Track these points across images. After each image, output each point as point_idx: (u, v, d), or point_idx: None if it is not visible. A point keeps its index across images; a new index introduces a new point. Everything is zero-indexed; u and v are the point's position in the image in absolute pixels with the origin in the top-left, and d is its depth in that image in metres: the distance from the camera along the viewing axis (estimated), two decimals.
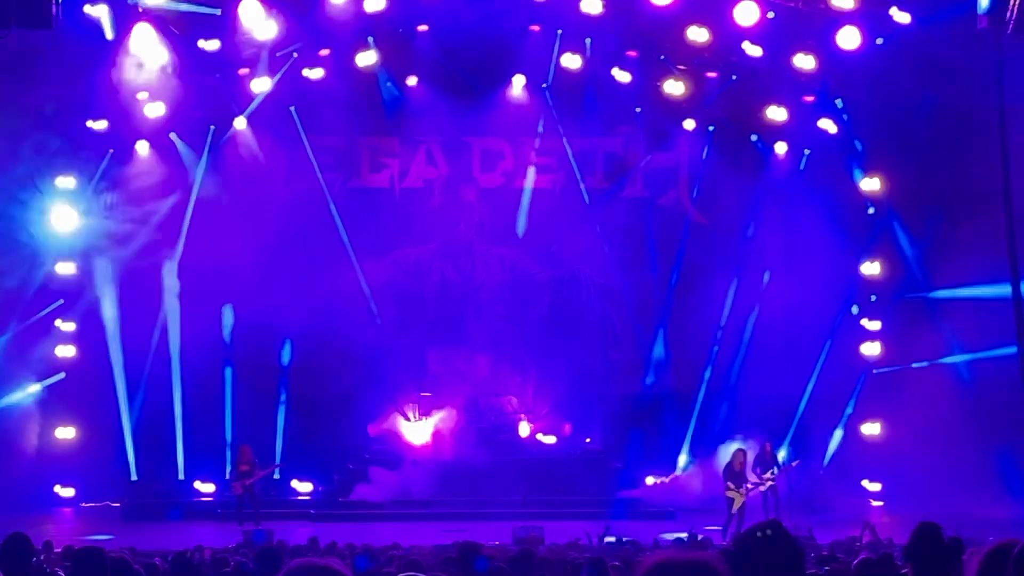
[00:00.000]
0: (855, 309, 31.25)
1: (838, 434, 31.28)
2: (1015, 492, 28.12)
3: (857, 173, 30.82)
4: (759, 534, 6.09)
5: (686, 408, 32.14)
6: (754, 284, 31.69)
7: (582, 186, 32.72)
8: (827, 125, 30.45)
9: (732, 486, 26.74)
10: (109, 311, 30.55)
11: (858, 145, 30.61)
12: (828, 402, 31.34)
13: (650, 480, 31.09)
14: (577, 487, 30.29)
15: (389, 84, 31.61)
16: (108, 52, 28.06)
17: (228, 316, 31.50)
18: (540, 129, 32.53)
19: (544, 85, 31.88)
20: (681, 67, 30.67)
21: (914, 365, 30.24)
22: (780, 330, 31.26)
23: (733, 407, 31.81)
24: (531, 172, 32.82)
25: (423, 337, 32.37)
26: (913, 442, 29.59)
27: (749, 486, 27.03)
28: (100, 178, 30.34)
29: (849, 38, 27.69)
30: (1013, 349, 24.99)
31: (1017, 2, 21.66)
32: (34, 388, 29.99)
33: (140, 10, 27.57)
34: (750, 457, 27.64)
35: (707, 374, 32.22)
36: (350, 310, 31.47)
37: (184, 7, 27.68)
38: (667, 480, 31.27)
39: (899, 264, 30.84)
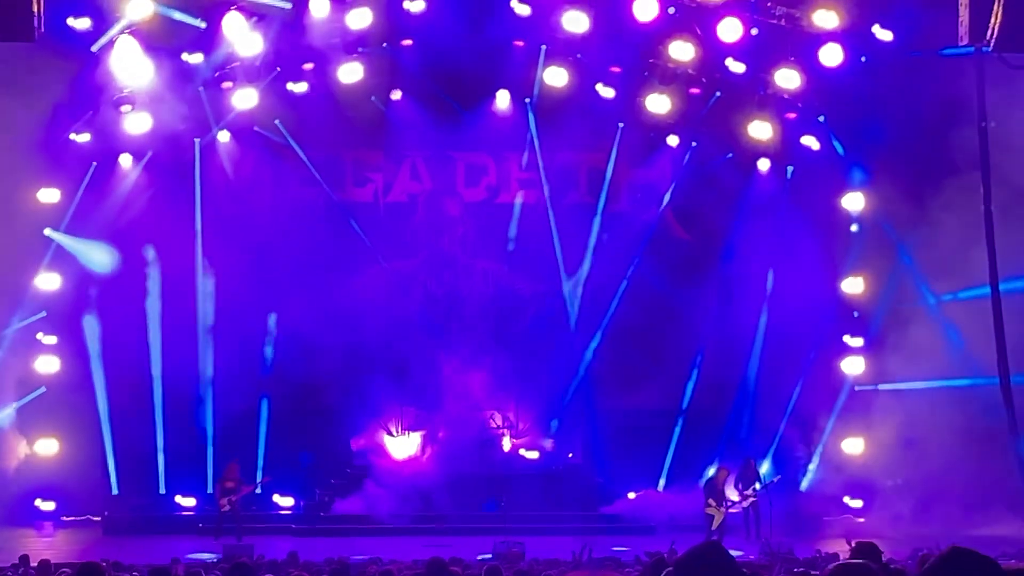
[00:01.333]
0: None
1: (820, 450, 31.24)
2: (998, 509, 28.15)
3: (846, 192, 30.83)
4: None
5: (669, 423, 32.14)
6: (737, 300, 31.67)
7: (565, 201, 32.73)
8: (810, 142, 30.48)
9: (713, 503, 26.76)
10: (91, 325, 30.51)
11: (840, 152, 30.51)
12: (810, 418, 31.34)
13: (632, 495, 31.07)
14: (559, 502, 30.32)
15: (373, 98, 31.61)
16: (91, 64, 28.03)
17: (209, 331, 31.41)
18: (527, 144, 32.50)
19: (528, 100, 31.91)
20: (665, 83, 30.70)
21: (891, 386, 30.21)
22: (763, 345, 31.36)
23: (716, 422, 31.82)
24: (518, 196, 32.91)
25: (406, 351, 32.32)
26: (895, 458, 29.65)
27: (729, 503, 27.05)
28: (84, 191, 30.28)
29: (832, 55, 27.80)
30: (994, 380, 25.12)
31: (998, 21, 21.75)
32: (10, 410, 29.91)
33: (124, 23, 27.52)
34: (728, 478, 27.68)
35: (690, 389, 32.21)
36: (333, 324, 31.41)
37: (177, 15, 27.57)
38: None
39: (882, 280, 30.82)
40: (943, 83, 26.79)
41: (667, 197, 32.46)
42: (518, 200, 32.99)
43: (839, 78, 28.28)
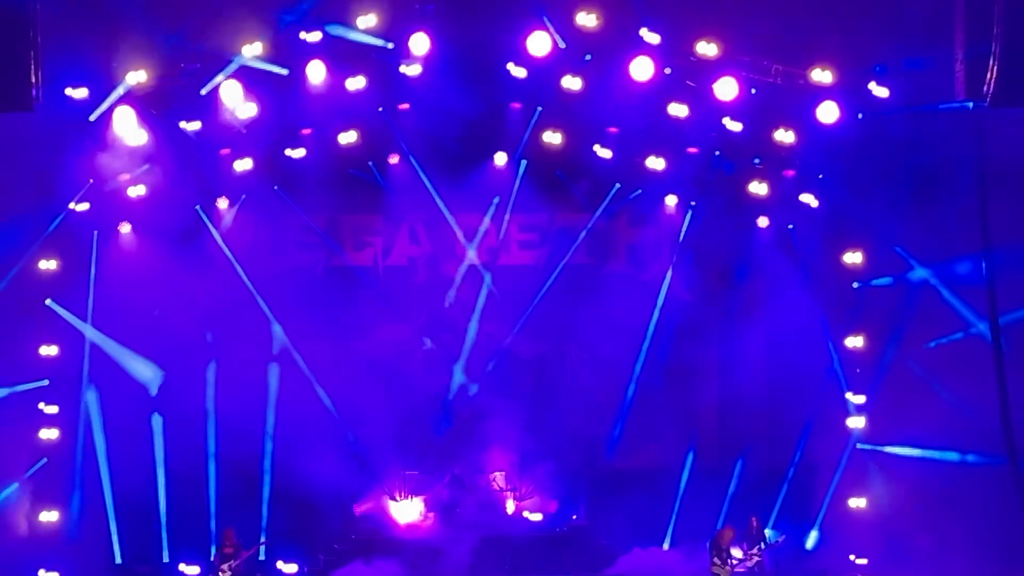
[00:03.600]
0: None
1: (824, 509, 31.10)
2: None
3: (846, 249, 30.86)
4: None
5: (673, 482, 32.02)
6: (739, 358, 31.62)
7: (565, 262, 32.75)
8: (809, 199, 30.51)
9: (718, 562, 26.62)
10: (92, 395, 30.46)
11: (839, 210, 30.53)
12: (814, 476, 31.24)
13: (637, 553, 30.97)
14: (563, 564, 30.22)
15: (371, 163, 31.68)
16: (90, 134, 28.08)
17: (211, 396, 31.38)
18: (525, 206, 32.54)
19: (525, 161, 31.96)
20: (662, 142, 30.86)
21: (893, 449, 30.15)
22: (766, 404, 31.30)
23: (721, 480, 31.74)
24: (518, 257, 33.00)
25: (407, 414, 32.24)
26: (901, 516, 29.53)
27: (734, 562, 26.91)
28: (83, 260, 30.29)
29: (829, 113, 27.95)
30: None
31: (994, 76, 21.81)
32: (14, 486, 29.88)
33: (121, 92, 27.60)
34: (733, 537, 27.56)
35: (693, 448, 32.12)
36: (334, 388, 31.37)
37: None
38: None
39: (884, 337, 30.79)
40: (942, 138, 26.83)
41: (667, 256, 32.49)
42: (518, 262, 33.02)
43: (837, 135, 28.36)
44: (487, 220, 32.88)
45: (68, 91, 26.99)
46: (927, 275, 29.46)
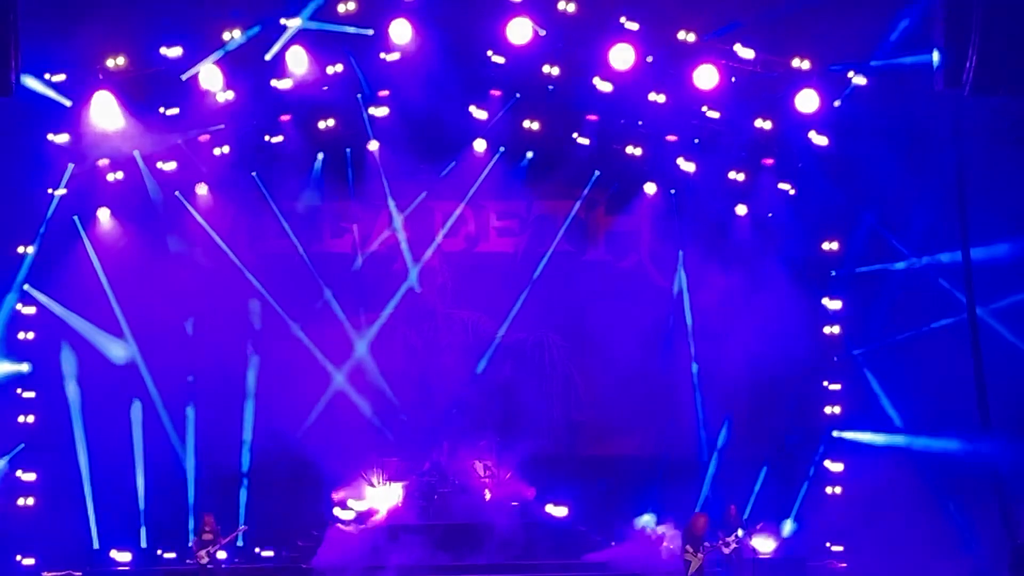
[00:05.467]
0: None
1: (802, 495, 31.19)
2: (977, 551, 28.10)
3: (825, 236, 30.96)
4: None
5: (652, 471, 32.08)
6: (718, 347, 31.69)
7: (544, 249, 32.80)
8: (787, 187, 30.58)
9: (691, 549, 26.63)
10: (72, 385, 30.45)
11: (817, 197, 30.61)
12: (793, 463, 31.33)
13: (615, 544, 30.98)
14: (541, 551, 30.23)
15: (350, 149, 31.69)
16: (68, 119, 28.02)
17: (189, 382, 31.37)
18: (504, 193, 32.59)
19: (503, 149, 31.98)
20: (641, 131, 30.92)
21: (868, 437, 30.24)
22: (745, 391, 31.34)
23: (699, 468, 31.83)
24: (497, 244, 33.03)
25: (386, 401, 32.27)
26: (877, 502, 29.58)
27: (707, 545, 26.90)
28: (61, 245, 30.25)
29: (808, 101, 27.97)
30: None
31: (973, 64, 21.82)
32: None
33: (100, 77, 27.54)
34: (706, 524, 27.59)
35: (672, 436, 32.18)
36: (312, 376, 31.39)
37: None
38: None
39: (861, 324, 30.87)
40: (920, 127, 26.87)
41: (646, 244, 32.57)
42: (496, 249, 33.08)
43: (816, 124, 28.42)
44: (463, 206, 32.89)
45: (47, 76, 26.90)
46: (908, 263, 29.53)
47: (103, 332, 30.57)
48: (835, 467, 30.78)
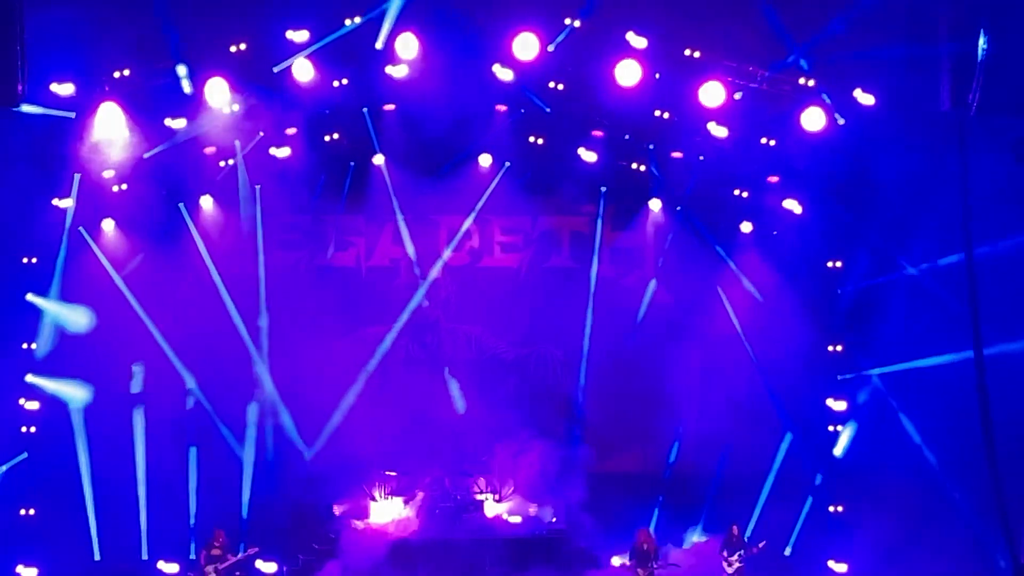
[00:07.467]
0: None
1: (803, 515, 31.15)
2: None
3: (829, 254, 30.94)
4: None
5: (654, 487, 32.08)
6: (721, 363, 31.67)
7: (548, 264, 32.80)
8: (792, 205, 30.56)
9: (631, 563, 26.53)
10: (75, 392, 30.46)
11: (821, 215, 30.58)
12: (794, 482, 31.29)
13: (616, 560, 30.89)
14: (541, 568, 30.18)
15: (352, 163, 31.72)
16: (74, 130, 28.04)
17: (193, 394, 31.37)
18: (508, 208, 32.60)
19: (508, 164, 32.00)
20: (647, 147, 30.96)
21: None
22: (747, 409, 31.31)
23: (700, 487, 31.78)
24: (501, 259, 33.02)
25: (389, 416, 32.24)
26: (878, 521, 29.56)
27: (655, 567, 26.84)
28: (66, 257, 30.26)
29: (814, 120, 28.00)
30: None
31: (980, 84, 21.83)
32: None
33: (107, 88, 27.59)
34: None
35: (674, 452, 32.16)
36: (314, 389, 31.37)
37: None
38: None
39: (868, 343, 30.85)
40: (926, 146, 26.88)
41: (650, 261, 32.57)
42: (500, 264, 33.08)
43: (822, 141, 28.42)
44: (470, 221, 32.89)
45: (53, 87, 26.94)
46: (913, 278, 29.49)
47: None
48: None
